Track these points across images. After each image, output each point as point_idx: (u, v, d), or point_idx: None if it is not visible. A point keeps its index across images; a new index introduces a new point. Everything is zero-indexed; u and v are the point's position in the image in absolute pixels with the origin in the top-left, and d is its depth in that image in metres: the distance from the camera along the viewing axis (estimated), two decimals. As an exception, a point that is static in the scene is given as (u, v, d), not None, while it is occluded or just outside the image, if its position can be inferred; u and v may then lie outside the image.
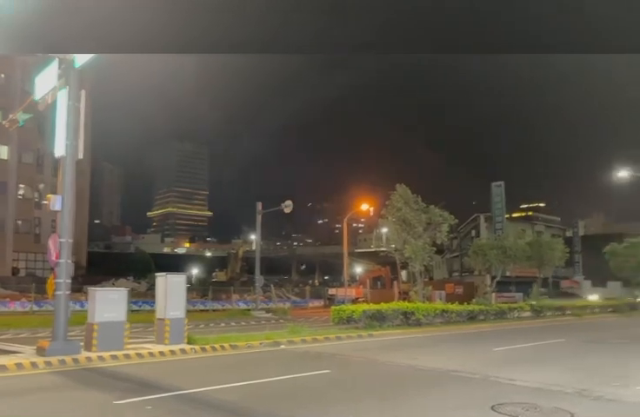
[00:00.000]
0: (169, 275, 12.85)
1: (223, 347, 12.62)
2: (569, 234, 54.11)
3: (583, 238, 53.47)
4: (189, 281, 23.20)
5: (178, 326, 12.56)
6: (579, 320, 25.04)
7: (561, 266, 35.31)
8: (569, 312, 26.76)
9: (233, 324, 22.49)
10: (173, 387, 7.95)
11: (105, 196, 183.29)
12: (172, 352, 11.71)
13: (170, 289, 12.60)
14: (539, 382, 8.54)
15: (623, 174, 40.80)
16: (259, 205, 27.03)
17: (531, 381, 8.61)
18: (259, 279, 26.91)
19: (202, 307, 32.51)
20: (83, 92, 11.84)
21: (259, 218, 27.15)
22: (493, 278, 29.78)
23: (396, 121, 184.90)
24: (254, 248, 37.15)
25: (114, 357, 10.84)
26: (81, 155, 11.79)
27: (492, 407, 6.73)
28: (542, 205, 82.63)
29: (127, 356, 11.01)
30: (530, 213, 66.71)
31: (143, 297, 31.36)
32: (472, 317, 21.25)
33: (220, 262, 68.78)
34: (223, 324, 22.42)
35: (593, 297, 36.62)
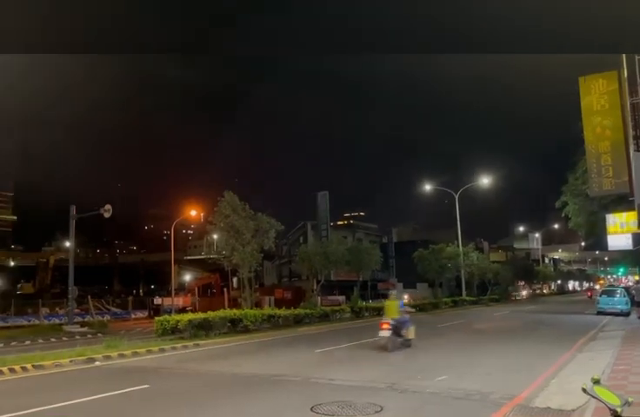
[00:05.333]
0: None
1: (24, 369, 11.16)
2: (384, 240, 58.96)
3: (396, 244, 58.68)
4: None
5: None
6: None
7: (377, 270, 38.29)
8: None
9: (41, 341, 20.08)
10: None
11: None
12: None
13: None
14: (356, 380, 9.09)
15: (426, 187, 46.28)
16: (73, 209, 24.49)
17: (349, 380, 9.12)
18: (72, 290, 24.27)
19: (1, 324, 28.63)
20: None
21: (73, 223, 24.53)
22: (318, 282, 31.13)
23: (228, 128, 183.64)
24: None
25: None
26: None
27: (312, 408, 6.95)
28: (362, 214, 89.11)
29: None
30: (351, 221, 71.23)
31: None
32: (298, 321, 21.93)
33: (27, 273, 61.09)
34: (28, 342, 19.92)
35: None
